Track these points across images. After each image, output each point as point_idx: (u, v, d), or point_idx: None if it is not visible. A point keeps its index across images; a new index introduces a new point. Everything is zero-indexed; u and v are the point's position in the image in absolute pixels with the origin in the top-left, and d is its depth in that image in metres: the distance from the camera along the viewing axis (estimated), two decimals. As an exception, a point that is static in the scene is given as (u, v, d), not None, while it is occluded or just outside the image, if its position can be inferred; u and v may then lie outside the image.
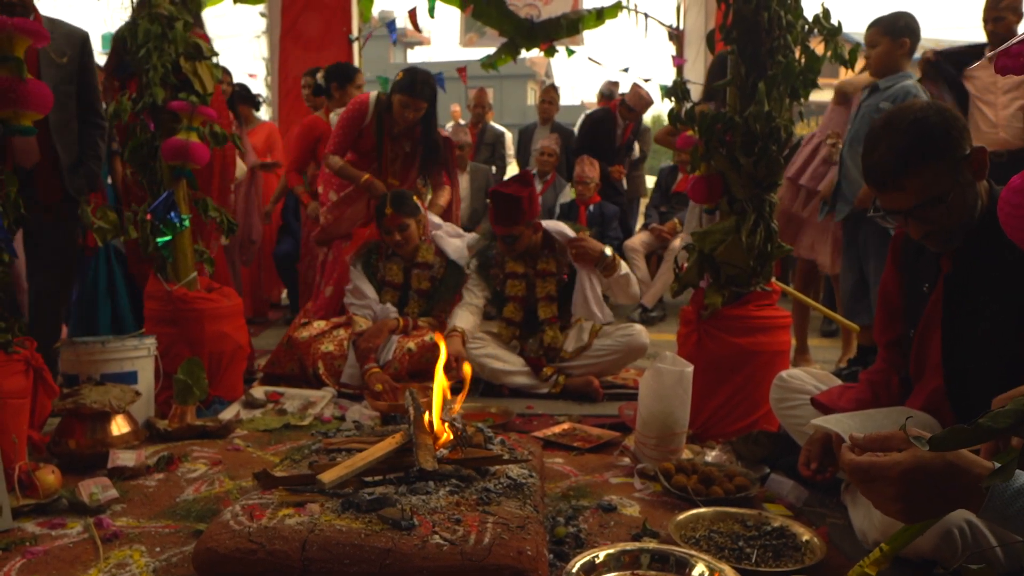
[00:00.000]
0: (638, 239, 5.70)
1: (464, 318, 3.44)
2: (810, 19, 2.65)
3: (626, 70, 6.07)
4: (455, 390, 2.19)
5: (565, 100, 6.73)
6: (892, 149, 1.68)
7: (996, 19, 3.72)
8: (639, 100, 6.03)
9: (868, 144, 1.75)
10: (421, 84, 3.85)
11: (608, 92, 7.01)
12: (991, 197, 1.73)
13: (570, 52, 5.72)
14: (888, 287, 2.05)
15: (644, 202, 6.73)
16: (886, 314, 2.06)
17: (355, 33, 6.64)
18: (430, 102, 3.94)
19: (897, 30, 3.46)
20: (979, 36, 3.88)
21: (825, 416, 1.86)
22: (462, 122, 7.46)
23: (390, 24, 6.63)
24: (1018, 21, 3.70)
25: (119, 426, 2.42)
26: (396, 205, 3.52)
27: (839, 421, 1.74)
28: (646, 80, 6.24)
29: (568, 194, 6.01)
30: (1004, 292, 1.68)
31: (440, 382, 1.95)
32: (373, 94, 4.05)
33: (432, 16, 4.86)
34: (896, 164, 1.68)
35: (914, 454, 1.11)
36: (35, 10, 2.65)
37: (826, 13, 2.66)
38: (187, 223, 2.99)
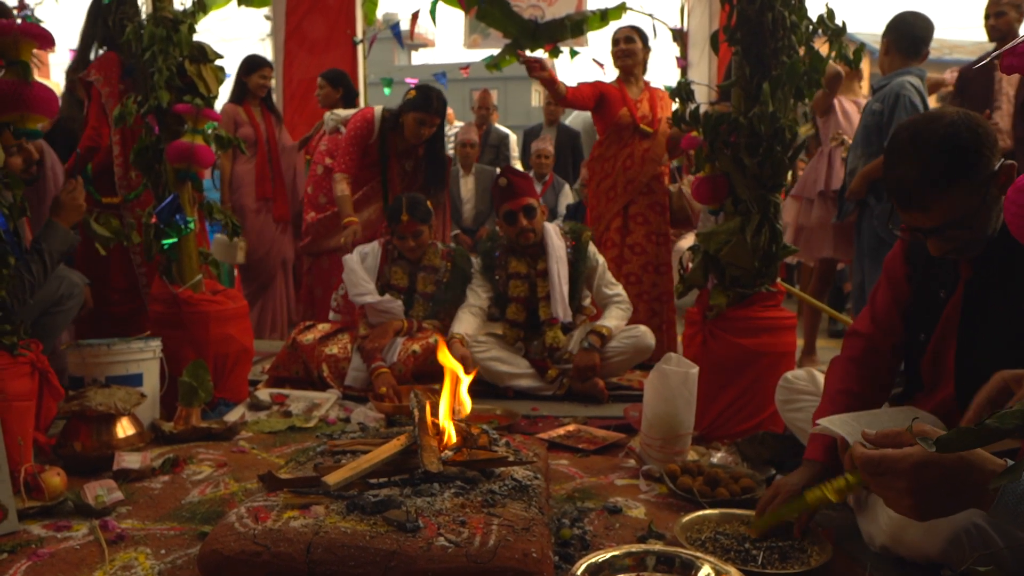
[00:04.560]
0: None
1: (465, 322, 3.44)
2: (814, 19, 2.65)
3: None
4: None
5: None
6: (918, 166, 1.56)
7: (998, 14, 3.72)
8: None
9: (892, 157, 1.62)
10: (436, 100, 3.94)
11: None
12: None
13: (573, 53, 5.71)
14: (899, 286, 1.96)
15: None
16: (892, 312, 1.96)
17: (359, 36, 6.63)
18: (442, 117, 4.01)
19: (884, 31, 3.50)
20: (983, 35, 3.86)
21: (830, 417, 1.84)
22: (458, 124, 7.44)
23: (394, 27, 6.60)
24: (1019, 18, 3.69)
25: (124, 428, 2.43)
26: (412, 211, 3.50)
27: (845, 423, 1.73)
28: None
29: (569, 195, 6.00)
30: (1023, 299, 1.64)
31: (446, 385, 1.95)
32: (378, 110, 4.03)
33: (434, 18, 4.84)
34: (921, 183, 1.56)
35: (926, 448, 1.11)
36: None
37: (830, 13, 2.65)
38: (192, 225, 3.00)
